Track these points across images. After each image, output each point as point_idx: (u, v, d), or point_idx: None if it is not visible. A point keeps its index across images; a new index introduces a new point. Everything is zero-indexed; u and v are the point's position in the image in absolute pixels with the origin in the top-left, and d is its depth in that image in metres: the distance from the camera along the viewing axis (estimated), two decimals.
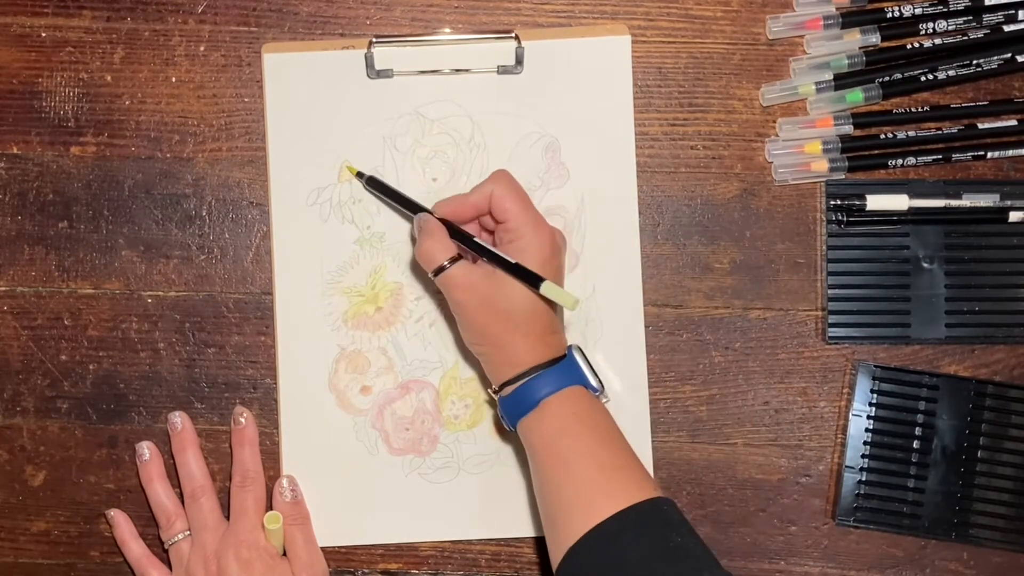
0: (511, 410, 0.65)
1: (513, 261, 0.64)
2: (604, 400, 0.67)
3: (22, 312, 0.73)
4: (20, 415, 0.73)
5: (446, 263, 0.65)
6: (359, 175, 0.71)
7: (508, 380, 0.65)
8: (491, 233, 0.68)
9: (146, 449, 0.72)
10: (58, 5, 0.73)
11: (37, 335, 0.73)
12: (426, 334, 0.73)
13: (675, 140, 0.73)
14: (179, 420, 0.72)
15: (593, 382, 0.65)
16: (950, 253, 0.73)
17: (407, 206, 0.70)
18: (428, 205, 0.71)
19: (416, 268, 0.72)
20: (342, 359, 0.72)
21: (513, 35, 0.72)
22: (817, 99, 0.72)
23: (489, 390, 0.67)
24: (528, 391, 0.64)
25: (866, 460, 0.72)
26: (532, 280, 0.63)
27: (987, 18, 0.71)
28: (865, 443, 0.72)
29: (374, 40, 0.72)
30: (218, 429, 0.73)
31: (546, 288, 0.62)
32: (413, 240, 0.71)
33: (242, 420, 0.72)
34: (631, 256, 0.72)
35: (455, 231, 0.66)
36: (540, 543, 0.73)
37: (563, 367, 0.64)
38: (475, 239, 0.66)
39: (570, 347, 0.66)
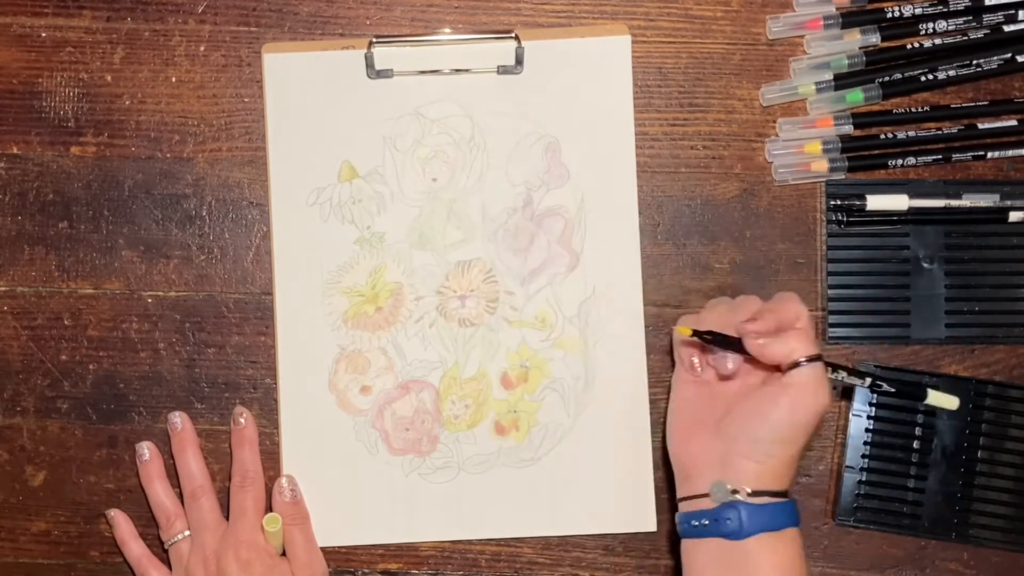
0: (757, 519, 0.62)
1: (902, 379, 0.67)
2: None
3: (22, 312, 0.73)
4: (20, 415, 0.73)
5: (802, 360, 0.62)
6: (695, 333, 0.65)
7: (768, 491, 0.63)
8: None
9: (146, 449, 0.72)
10: (58, 5, 0.73)
11: (37, 335, 0.73)
12: (426, 334, 0.73)
13: (675, 140, 0.73)
14: (179, 420, 0.72)
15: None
16: (950, 253, 0.73)
17: (736, 348, 0.66)
18: (428, 203, 0.71)
19: (418, 271, 0.72)
20: (342, 359, 0.72)
21: (513, 35, 0.72)
22: (817, 99, 0.72)
23: (738, 492, 0.63)
24: (787, 510, 0.63)
25: (866, 460, 0.72)
26: (918, 392, 0.66)
27: (987, 18, 0.71)
28: (865, 443, 0.72)
29: (374, 40, 0.72)
30: (218, 429, 0.73)
31: (933, 397, 0.65)
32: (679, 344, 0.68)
33: (242, 420, 0.72)
34: (631, 256, 0.72)
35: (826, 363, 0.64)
36: (540, 543, 0.73)
37: (793, 506, 0.64)
38: (851, 369, 0.66)
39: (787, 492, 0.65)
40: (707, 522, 0.63)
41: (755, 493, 0.62)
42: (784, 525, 0.62)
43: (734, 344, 0.64)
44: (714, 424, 0.65)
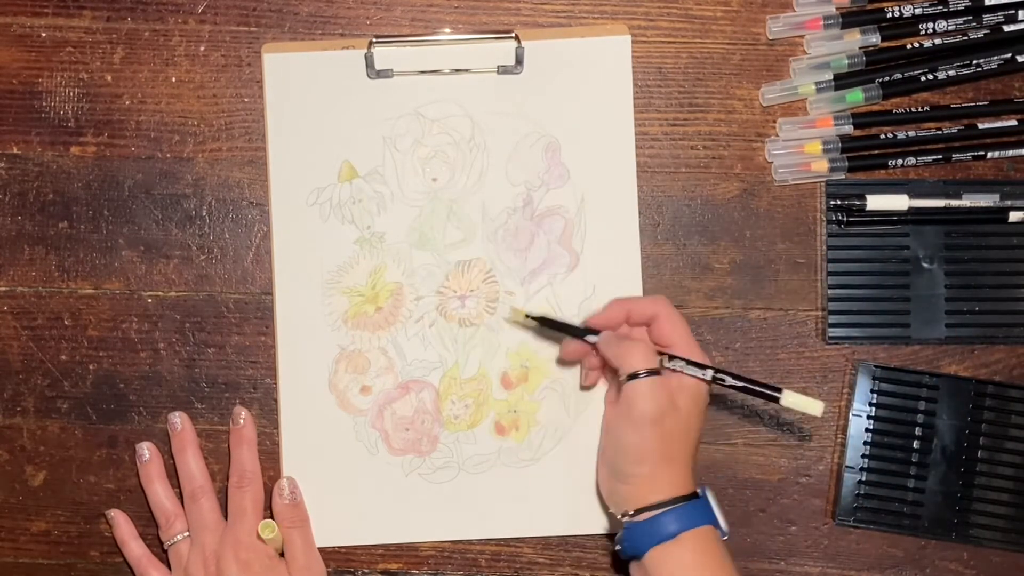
0: (645, 536, 0.64)
1: (752, 379, 0.66)
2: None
3: (22, 312, 0.73)
4: (20, 415, 0.73)
5: (643, 372, 0.64)
6: (527, 316, 0.70)
7: (648, 506, 0.64)
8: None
9: (146, 449, 0.72)
10: (58, 5, 0.73)
11: (37, 335, 0.73)
12: (426, 334, 0.73)
13: (675, 140, 0.73)
14: (179, 421, 0.72)
15: (724, 525, 0.65)
16: (950, 253, 0.73)
17: (576, 334, 0.69)
18: (428, 203, 0.71)
19: (417, 274, 0.72)
20: (342, 359, 0.72)
21: (513, 35, 0.72)
22: (817, 99, 0.72)
23: (621, 516, 0.66)
24: (671, 520, 0.63)
25: (866, 460, 0.72)
26: (771, 394, 0.65)
27: (987, 18, 0.71)
28: (865, 443, 0.72)
29: (374, 40, 0.72)
30: (218, 429, 0.73)
31: (788, 399, 0.64)
32: (559, 362, 0.72)
33: (241, 420, 0.72)
34: (631, 256, 0.72)
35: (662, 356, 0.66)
36: (540, 543, 0.73)
37: (701, 504, 0.65)
38: (690, 361, 0.66)
39: (703, 487, 0.66)
40: (618, 547, 0.67)
41: (639, 511, 0.64)
42: (676, 532, 0.63)
43: (572, 332, 0.68)
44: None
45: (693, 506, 0.64)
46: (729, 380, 0.66)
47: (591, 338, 0.68)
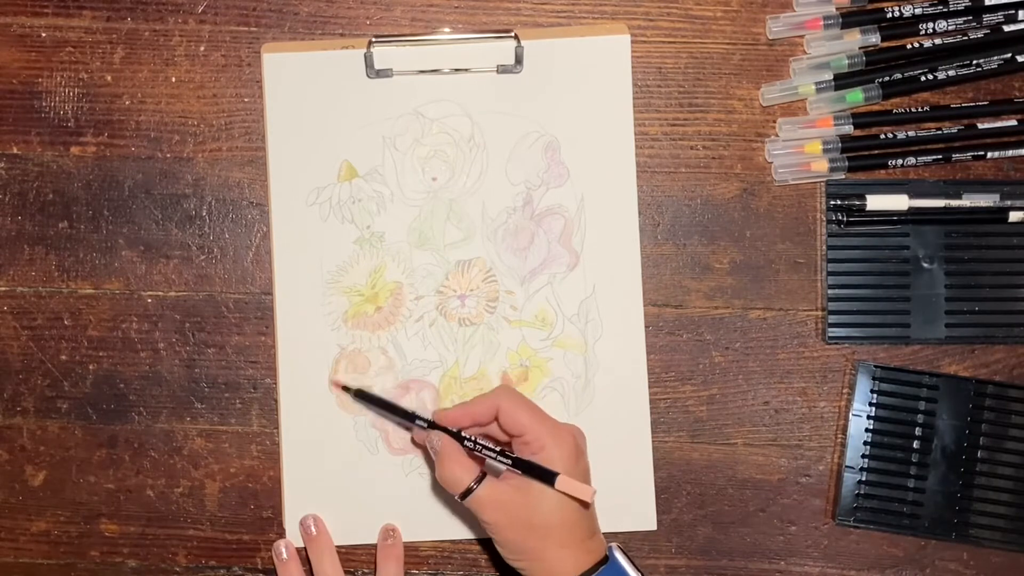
0: None
1: (527, 461, 0.63)
2: None
3: (22, 312, 0.73)
4: (20, 415, 0.73)
5: (472, 484, 0.63)
6: (345, 389, 0.71)
7: None
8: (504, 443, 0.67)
9: (283, 548, 0.72)
10: (58, 5, 0.73)
11: (37, 335, 0.73)
12: (426, 334, 0.73)
13: (675, 140, 0.73)
14: (313, 526, 0.72)
15: None
16: (950, 253, 0.73)
17: (402, 415, 0.69)
18: (428, 203, 0.71)
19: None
20: (342, 359, 0.72)
21: (513, 35, 0.72)
22: (817, 99, 0.72)
23: None
24: None
25: (866, 460, 0.72)
26: (547, 477, 0.62)
27: (987, 18, 0.71)
28: (865, 443, 0.72)
29: (374, 40, 0.72)
30: (218, 429, 0.73)
31: (561, 483, 0.62)
32: (414, 443, 0.72)
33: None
34: (631, 256, 0.72)
35: (460, 438, 0.65)
36: None
37: (608, 572, 0.63)
38: (484, 444, 0.65)
39: (610, 547, 0.65)
40: None
41: None
42: None
43: (399, 414, 0.69)
44: None
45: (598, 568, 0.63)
46: (500, 461, 0.64)
47: (420, 423, 0.67)
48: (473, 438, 0.65)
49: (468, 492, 0.64)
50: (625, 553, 0.65)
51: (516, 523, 0.63)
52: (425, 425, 0.67)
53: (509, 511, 0.63)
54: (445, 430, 0.66)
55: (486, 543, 0.73)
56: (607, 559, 0.64)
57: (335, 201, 0.72)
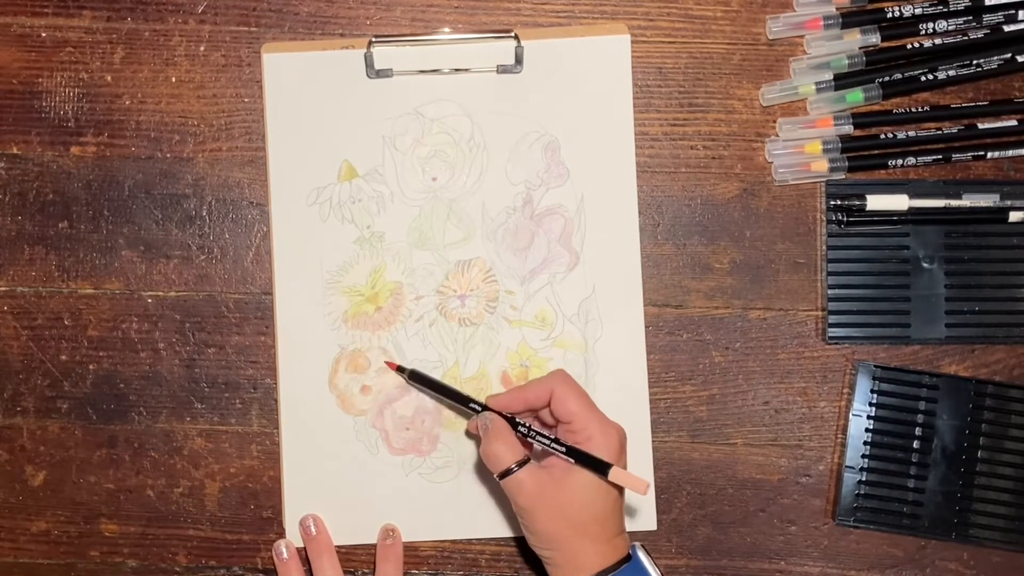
0: None
1: (581, 450, 0.63)
2: None
3: (22, 312, 0.73)
4: (20, 415, 0.73)
5: (513, 466, 0.63)
6: (400, 369, 0.71)
7: None
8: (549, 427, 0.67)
9: (284, 548, 0.72)
10: (58, 5, 0.73)
11: (37, 335, 0.73)
12: (426, 334, 0.73)
13: (675, 140, 0.73)
14: (312, 525, 0.72)
15: None
16: (950, 253, 0.73)
17: (455, 398, 0.69)
18: (428, 203, 0.71)
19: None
20: (342, 359, 0.72)
21: (512, 34, 0.72)
22: (817, 99, 0.72)
23: None
24: None
25: (866, 460, 0.72)
26: (600, 467, 0.62)
27: (987, 18, 0.71)
28: (865, 443, 0.72)
29: (374, 40, 0.72)
30: (218, 429, 0.73)
31: (615, 474, 0.62)
32: (467, 434, 0.72)
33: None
34: (631, 256, 0.73)
35: (514, 423, 0.65)
36: None
37: (631, 570, 0.64)
38: (538, 431, 0.65)
39: (633, 546, 0.65)
40: None
41: None
42: None
43: (454, 397, 0.69)
44: None
45: (622, 574, 0.63)
46: (552, 449, 0.64)
47: (474, 407, 0.67)
48: (527, 424, 0.65)
49: (508, 473, 0.64)
50: (647, 552, 0.65)
51: (551, 511, 0.63)
52: (479, 408, 0.67)
53: (545, 499, 0.63)
54: (499, 414, 0.66)
55: (486, 543, 0.73)
56: (630, 557, 0.64)
57: (335, 201, 0.72)
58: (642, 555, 0.65)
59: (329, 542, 0.72)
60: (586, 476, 0.63)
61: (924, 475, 0.72)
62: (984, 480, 0.72)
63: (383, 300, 0.73)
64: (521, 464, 0.64)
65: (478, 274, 0.73)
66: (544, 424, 0.68)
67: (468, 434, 0.72)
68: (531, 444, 0.65)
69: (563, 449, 0.64)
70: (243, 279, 0.73)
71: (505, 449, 0.64)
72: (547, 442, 0.64)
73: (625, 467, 0.65)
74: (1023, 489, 0.72)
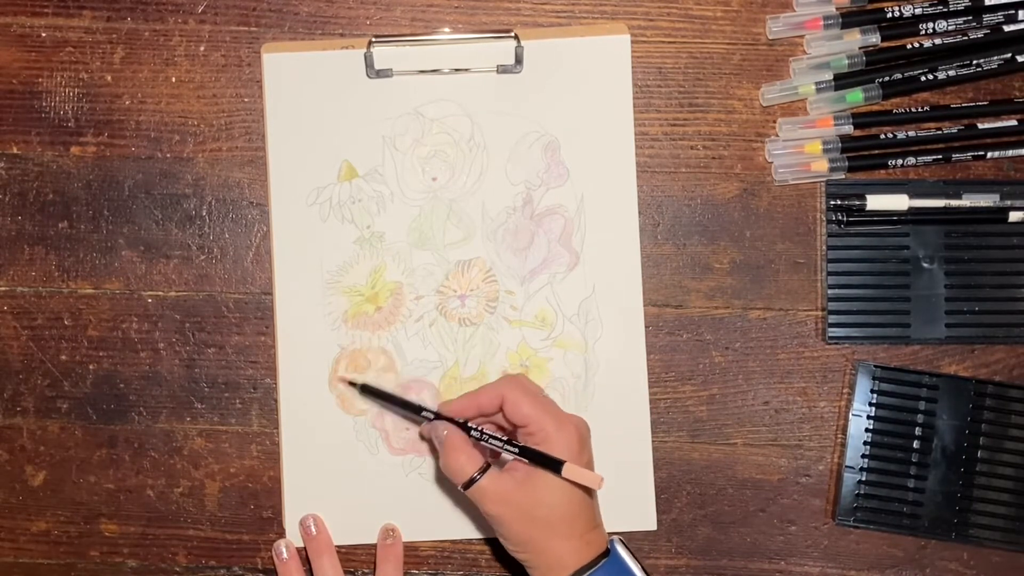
0: None
1: (534, 450, 0.63)
2: None
3: (22, 312, 0.73)
4: (20, 415, 0.73)
5: (476, 475, 0.63)
6: (351, 384, 0.71)
7: None
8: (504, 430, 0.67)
9: (283, 548, 0.72)
10: (58, 5, 0.73)
11: (37, 335, 0.73)
12: (426, 333, 0.73)
13: (675, 140, 0.73)
14: (312, 525, 0.72)
15: (639, 574, 0.64)
16: (950, 253, 0.73)
17: (408, 408, 0.69)
18: (428, 203, 0.71)
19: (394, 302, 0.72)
20: (342, 359, 0.72)
21: (513, 35, 0.72)
22: (817, 99, 0.72)
23: None
24: None
25: (866, 460, 0.72)
26: (554, 466, 0.62)
27: (987, 18, 0.71)
28: (865, 443, 0.72)
29: (374, 40, 0.72)
30: (218, 429, 0.73)
31: (568, 471, 0.61)
32: (422, 436, 0.71)
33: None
34: (631, 256, 0.73)
35: (467, 428, 0.65)
36: None
37: (610, 566, 0.63)
38: (491, 434, 0.64)
39: (612, 540, 0.65)
40: None
41: None
42: None
43: (405, 406, 0.69)
44: None
45: (601, 570, 0.63)
46: (506, 451, 0.64)
47: (427, 415, 0.67)
48: (479, 428, 0.65)
49: (471, 482, 0.64)
50: (627, 546, 0.65)
51: (519, 515, 0.63)
52: (432, 417, 0.67)
53: (512, 503, 0.63)
54: (452, 421, 0.66)
55: (486, 543, 0.73)
56: (608, 552, 0.64)
57: (335, 201, 0.72)
58: (621, 548, 0.65)
59: (329, 542, 0.72)
60: (548, 476, 0.63)
61: (924, 475, 0.72)
62: (984, 480, 0.72)
63: (383, 300, 0.73)
64: (483, 471, 0.63)
65: (478, 274, 0.73)
66: (502, 429, 0.67)
67: (421, 437, 0.72)
68: (489, 450, 0.65)
69: (516, 450, 0.63)
70: (243, 279, 0.73)
71: (465, 460, 0.64)
72: (499, 444, 0.64)
73: (588, 461, 0.65)
74: (1023, 489, 0.72)
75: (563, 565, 0.63)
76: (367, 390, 0.71)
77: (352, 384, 0.71)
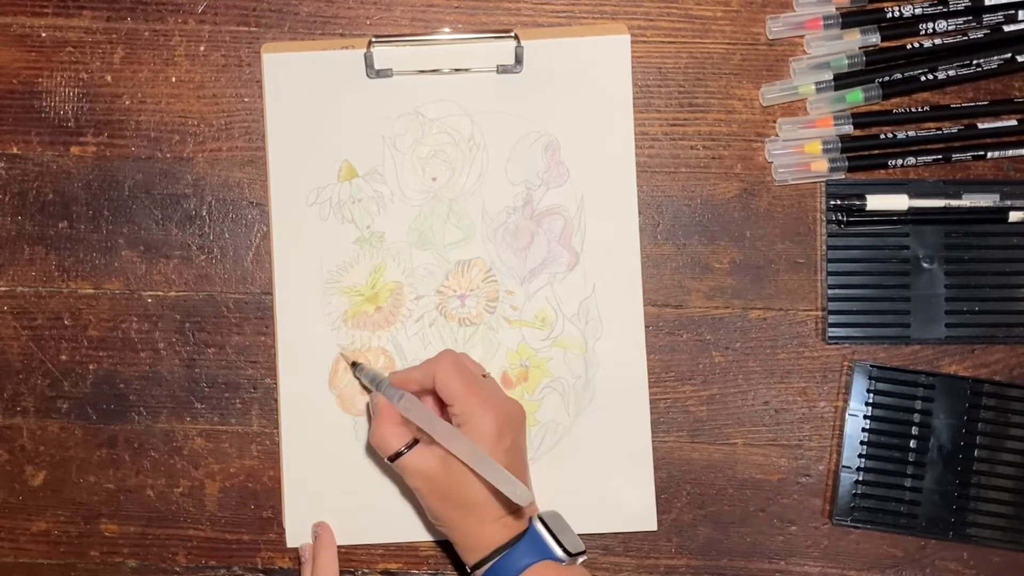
0: None
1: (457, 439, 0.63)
2: (580, 561, 0.65)
3: (22, 312, 0.73)
4: (20, 415, 0.73)
5: (403, 449, 0.65)
6: (354, 365, 0.71)
7: (475, 564, 0.65)
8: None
9: (307, 553, 0.72)
10: (58, 5, 0.73)
11: (37, 335, 0.73)
12: (426, 334, 0.73)
13: (675, 140, 0.73)
14: (321, 532, 0.72)
15: (559, 553, 0.64)
16: (950, 253, 0.73)
17: (376, 385, 0.69)
18: (428, 203, 0.71)
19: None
20: (342, 359, 0.72)
21: (512, 34, 0.72)
22: (817, 99, 0.72)
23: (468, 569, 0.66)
24: (499, 569, 0.63)
25: (863, 460, 0.72)
26: (470, 456, 0.62)
27: (987, 18, 0.71)
28: (862, 443, 0.72)
29: (374, 40, 0.72)
30: (218, 429, 0.73)
31: (482, 467, 0.62)
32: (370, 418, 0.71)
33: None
34: (631, 256, 0.73)
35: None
36: None
37: (527, 545, 0.63)
38: (417, 409, 0.65)
39: (531, 519, 0.65)
40: None
41: (473, 569, 0.65)
42: None
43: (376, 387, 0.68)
44: None
45: (517, 551, 0.63)
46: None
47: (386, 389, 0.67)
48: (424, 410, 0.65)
49: (397, 456, 0.65)
50: (546, 523, 0.64)
51: (437, 493, 0.65)
52: (382, 389, 0.67)
53: (433, 480, 0.64)
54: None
55: None
56: (528, 531, 0.64)
57: (335, 201, 0.72)
58: (540, 527, 0.64)
59: (331, 541, 0.72)
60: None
61: (921, 474, 0.72)
62: (981, 479, 0.72)
63: (383, 300, 0.73)
64: (410, 446, 0.64)
65: (478, 274, 0.73)
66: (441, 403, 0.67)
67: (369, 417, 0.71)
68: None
69: (435, 437, 0.64)
70: (243, 279, 0.73)
71: (391, 432, 0.65)
72: (425, 425, 0.64)
73: (512, 448, 0.65)
74: (1020, 488, 0.72)
75: (480, 546, 0.64)
76: (356, 366, 0.71)
77: (354, 365, 0.71)
